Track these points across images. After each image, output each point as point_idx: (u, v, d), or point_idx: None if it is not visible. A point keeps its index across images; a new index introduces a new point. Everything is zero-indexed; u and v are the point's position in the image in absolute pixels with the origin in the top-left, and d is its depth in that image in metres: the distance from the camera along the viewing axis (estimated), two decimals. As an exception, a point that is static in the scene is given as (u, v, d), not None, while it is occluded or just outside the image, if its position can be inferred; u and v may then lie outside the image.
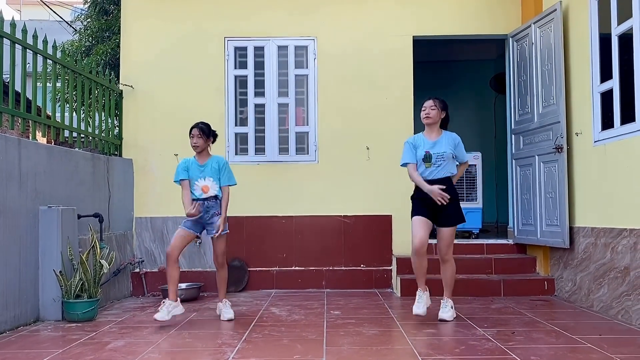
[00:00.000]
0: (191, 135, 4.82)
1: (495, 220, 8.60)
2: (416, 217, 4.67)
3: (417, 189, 4.77)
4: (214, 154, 4.97)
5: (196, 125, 4.83)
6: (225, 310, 4.90)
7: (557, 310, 5.21)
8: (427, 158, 4.66)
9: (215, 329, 4.58)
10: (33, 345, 4.06)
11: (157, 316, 4.57)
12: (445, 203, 4.55)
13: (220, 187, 4.85)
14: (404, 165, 4.81)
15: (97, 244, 5.19)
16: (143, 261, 6.56)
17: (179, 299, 4.78)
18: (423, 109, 4.75)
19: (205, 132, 4.81)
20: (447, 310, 4.72)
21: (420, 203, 4.70)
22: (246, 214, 6.64)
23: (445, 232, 4.70)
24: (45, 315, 4.88)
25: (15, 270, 4.60)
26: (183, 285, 6.10)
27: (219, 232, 4.76)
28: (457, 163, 4.84)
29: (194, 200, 4.77)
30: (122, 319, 5.04)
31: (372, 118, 6.71)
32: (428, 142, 4.71)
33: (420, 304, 4.69)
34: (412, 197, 4.84)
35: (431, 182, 4.64)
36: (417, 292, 4.77)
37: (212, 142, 4.94)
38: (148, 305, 5.74)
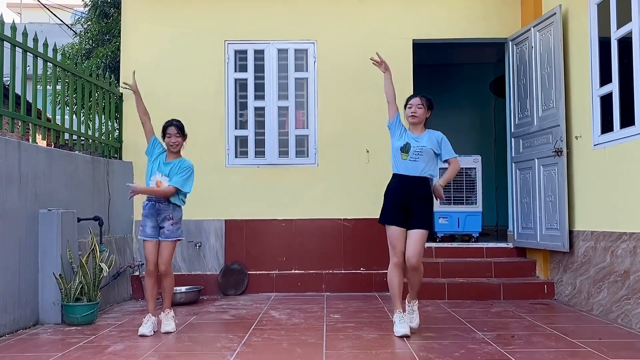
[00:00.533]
0: (167, 134, 4.51)
1: (495, 223, 8.59)
2: (393, 228, 4.36)
3: (390, 183, 4.49)
4: (184, 157, 4.68)
5: (171, 124, 4.55)
6: (167, 322, 4.58)
7: (557, 314, 5.21)
8: (405, 148, 4.36)
9: (214, 333, 4.58)
10: (32, 349, 4.06)
11: (140, 330, 4.45)
12: (377, 61, 4.51)
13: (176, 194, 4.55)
14: (390, 123, 4.56)
15: (97, 247, 5.19)
16: (143, 264, 6.54)
17: (156, 314, 4.61)
18: (409, 106, 4.46)
19: (182, 130, 4.56)
20: (415, 316, 4.47)
21: (394, 203, 4.37)
22: (246, 217, 6.64)
23: (415, 236, 4.31)
24: (44, 319, 4.87)
25: (15, 273, 4.60)
26: (183, 289, 6.10)
27: (136, 189, 4.46)
28: (443, 162, 4.50)
29: (147, 202, 4.55)
30: (122, 322, 5.03)
31: (371, 121, 6.71)
32: (411, 135, 4.43)
33: (403, 322, 4.31)
34: (385, 194, 4.50)
35: (407, 178, 4.34)
36: (395, 315, 4.37)
37: (185, 141, 4.67)
38: (147, 309, 5.72)
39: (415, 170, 4.34)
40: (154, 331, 4.51)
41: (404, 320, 4.33)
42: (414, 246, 4.29)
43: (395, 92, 4.60)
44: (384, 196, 4.50)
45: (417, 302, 4.53)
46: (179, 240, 4.62)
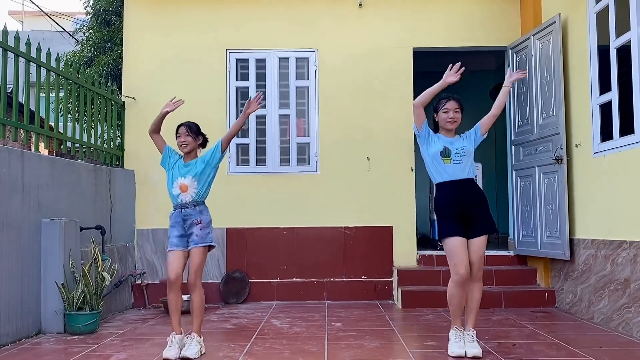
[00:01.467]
0: (178, 134, 4.28)
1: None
2: (453, 239, 3.95)
3: (438, 195, 4.13)
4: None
5: (182, 123, 4.32)
6: (190, 346, 4.04)
7: (558, 322, 5.21)
8: (446, 152, 4.06)
9: (216, 342, 4.59)
10: (35, 358, 4.07)
11: (164, 353, 3.99)
12: (460, 74, 4.04)
13: (202, 190, 4.21)
14: (418, 133, 4.19)
15: (99, 256, 5.21)
16: (144, 273, 6.57)
17: (182, 331, 4.17)
18: (445, 110, 4.15)
19: (193, 130, 4.28)
20: (476, 344, 3.96)
21: (448, 214, 4.03)
22: (247, 225, 6.66)
23: (478, 243, 4.00)
24: (47, 328, 4.88)
25: (18, 282, 4.61)
26: (184, 297, 6.09)
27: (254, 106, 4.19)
28: (482, 133, 4.26)
29: (173, 212, 4.21)
30: (124, 331, 5.04)
31: (372, 129, 6.75)
32: (445, 138, 4.16)
33: (460, 342, 3.98)
34: (435, 208, 4.18)
35: (454, 183, 4.03)
36: (452, 332, 4.05)
37: (202, 147, 4.40)
38: (149, 317, 5.74)
39: (462, 172, 4.06)
40: (180, 351, 4.03)
41: (461, 339, 4.00)
42: (475, 254, 3.98)
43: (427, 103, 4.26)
44: (436, 210, 4.16)
45: (474, 331, 4.05)
46: (211, 246, 4.20)
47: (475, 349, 3.90)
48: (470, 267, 3.95)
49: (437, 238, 6.89)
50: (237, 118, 6.72)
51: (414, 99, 6.63)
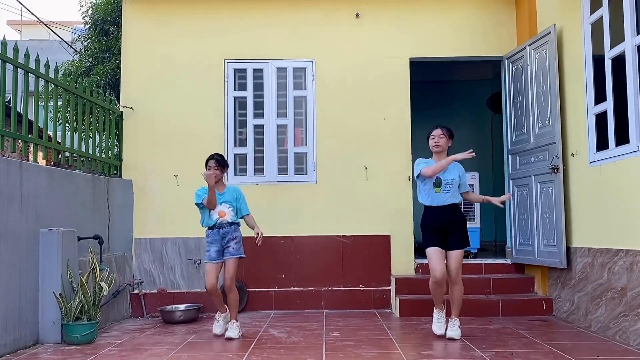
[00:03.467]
0: (208, 167, 5.07)
1: (493, 239, 8.63)
2: (432, 249, 4.80)
3: (426, 215, 4.93)
4: (229, 184, 5.35)
5: (212, 157, 5.10)
6: (231, 329, 5.07)
7: (556, 330, 5.22)
8: (438, 183, 4.84)
9: (214, 352, 4.59)
10: (33, 369, 4.07)
11: (214, 329, 5.21)
12: (472, 156, 4.76)
13: (237, 216, 5.20)
14: (418, 175, 4.92)
15: (97, 265, 5.21)
16: (142, 282, 6.57)
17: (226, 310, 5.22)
18: (432, 137, 4.92)
19: (221, 164, 5.09)
20: (455, 329, 4.84)
21: (432, 231, 4.83)
22: (245, 235, 6.64)
23: (455, 254, 4.83)
24: (44, 338, 4.88)
25: (15, 292, 4.61)
26: (182, 307, 6.12)
27: (259, 238, 5.16)
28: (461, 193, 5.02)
29: (209, 228, 5.11)
30: (122, 341, 5.04)
31: (370, 138, 6.78)
32: None
33: (441, 323, 4.93)
34: (422, 225, 4.96)
35: (441, 208, 4.83)
36: (435, 312, 4.98)
37: (226, 172, 5.24)
38: (147, 327, 5.74)
39: (449, 199, 4.85)
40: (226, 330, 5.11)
41: (442, 320, 4.94)
42: (453, 264, 4.80)
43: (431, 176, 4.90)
44: (422, 226, 4.95)
45: (457, 319, 4.91)
46: (242, 257, 5.15)
47: (453, 332, 4.82)
48: (449, 273, 4.81)
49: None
50: (235, 127, 6.83)
51: (411, 108, 6.75)
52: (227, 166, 5.26)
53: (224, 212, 5.09)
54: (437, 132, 4.92)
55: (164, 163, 6.74)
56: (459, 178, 4.91)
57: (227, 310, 5.19)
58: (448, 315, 4.99)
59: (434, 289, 4.86)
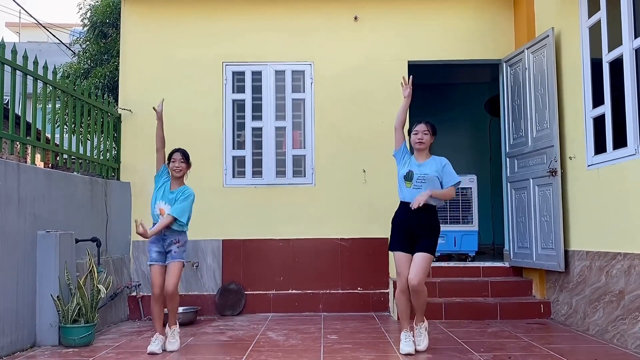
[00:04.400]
0: (172, 159, 4.75)
1: (491, 242, 8.63)
2: (399, 253, 4.48)
3: (397, 211, 4.62)
4: (186, 185, 4.87)
5: (178, 150, 4.79)
6: (171, 339, 4.73)
7: (553, 334, 5.22)
8: (409, 176, 4.50)
9: (212, 354, 4.58)
10: (30, 372, 4.06)
11: (149, 348, 4.61)
12: (406, 84, 4.61)
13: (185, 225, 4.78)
14: (394, 151, 4.71)
15: (95, 268, 5.19)
16: (140, 285, 6.55)
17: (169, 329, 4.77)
18: (415, 132, 4.56)
19: (186, 157, 4.79)
20: (422, 339, 4.53)
21: (401, 231, 4.50)
22: (243, 237, 6.67)
23: (418, 258, 4.40)
24: (42, 341, 4.86)
25: (13, 295, 4.60)
26: (180, 309, 6.08)
27: (149, 231, 4.55)
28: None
29: (152, 225, 4.68)
30: (119, 343, 5.03)
31: (368, 141, 6.78)
32: (415, 162, 4.58)
33: (409, 341, 4.46)
34: (393, 221, 4.64)
35: (408, 205, 4.43)
36: (403, 334, 4.52)
37: (188, 170, 4.88)
38: (145, 329, 5.72)
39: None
40: (163, 349, 4.65)
41: (410, 339, 4.46)
42: (415, 269, 4.36)
43: (405, 120, 4.71)
44: (391, 224, 4.64)
45: (424, 324, 4.58)
46: (183, 262, 4.76)
47: (421, 345, 4.50)
48: (409, 280, 4.37)
49: (439, 254, 6.95)
50: (234, 130, 6.83)
51: (409, 111, 6.74)
52: (190, 164, 4.86)
53: (164, 211, 4.68)
54: (421, 127, 4.55)
55: (162, 165, 6.72)
56: (437, 172, 4.47)
57: (165, 334, 4.74)
58: (431, 317, 4.73)
59: (399, 299, 4.50)
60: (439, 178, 4.50)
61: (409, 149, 4.69)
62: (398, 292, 4.50)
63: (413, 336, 4.52)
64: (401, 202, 4.60)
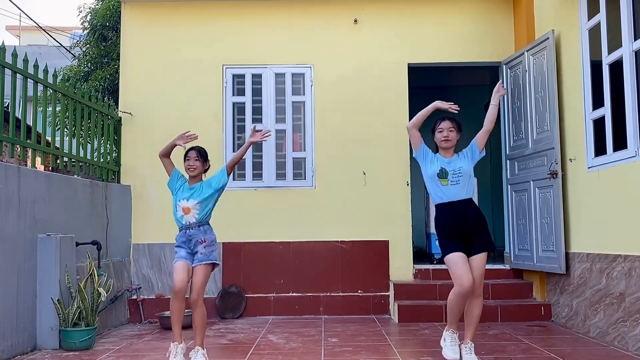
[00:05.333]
0: (187, 157, 4.39)
1: (491, 244, 8.61)
2: (453, 255, 4.05)
3: (439, 215, 4.22)
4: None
5: (193, 147, 4.44)
6: (197, 358, 4.19)
7: (554, 336, 5.22)
8: (443, 174, 4.16)
9: (212, 358, 4.56)
10: (30, 375, 4.05)
11: None
12: (456, 110, 4.22)
13: (205, 212, 4.32)
14: (417, 155, 4.36)
15: (95, 271, 5.19)
16: (140, 288, 6.55)
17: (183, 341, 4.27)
18: (439, 129, 4.26)
19: (202, 155, 4.41)
20: (473, 357, 4.09)
21: (450, 234, 4.13)
22: (243, 240, 6.66)
23: (477, 259, 4.09)
24: (42, 344, 4.86)
25: (13, 298, 4.59)
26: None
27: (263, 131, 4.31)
28: (480, 150, 4.34)
29: (179, 233, 4.33)
30: (120, 347, 5.02)
31: (368, 144, 6.78)
32: (443, 159, 4.25)
33: (455, 347, 4.12)
34: (436, 227, 4.26)
35: (452, 204, 4.12)
36: (448, 334, 4.18)
37: (206, 171, 4.50)
38: (145, 333, 5.72)
39: (460, 193, 4.14)
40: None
41: (456, 343, 4.14)
42: (476, 271, 4.04)
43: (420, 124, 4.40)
44: (436, 229, 4.25)
45: (473, 345, 4.16)
46: (215, 264, 4.30)
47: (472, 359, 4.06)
48: (475, 281, 4.02)
49: (440, 257, 6.92)
50: (234, 132, 6.83)
51: (409, 114, 6.73)
52: (208, 162, 4.50)
53: (188, 209, 4.27)
54: (447, 124, 4.24)
55: (162, 168, 6.68)
56: (469, 163, 4.22)
57: (182, 341, 4.25)
58: (461, 338, 4.21)
59: (458, 301, 4.04)
60: (472, 159, 4.28)
61: (425, 145, 4.34)
62: (454, 296, 4.04)
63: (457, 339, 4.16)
64: (440, 204, 4.20)
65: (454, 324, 4.15)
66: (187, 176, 4.43)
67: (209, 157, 4.51)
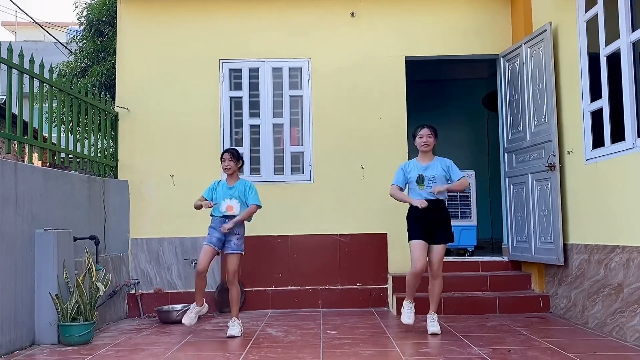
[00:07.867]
0: (222, 159, 5.25)
1: (490, 236, 8.64)
2: (415, 242, 4.94)
3: (411, 208, 5.06)
4: (243, 178, 5.37)
5: (227, 150, 5.29)
6: (232, 327, 5.08)
7: (553, 327, 5.23)
8: (420, 180, 5.01)
9: (212, 351, 4.58)
10: (29, 370, 4.05)
11: (185, 320, 5.17)
12: (423, 207, 4.87)
13: (242, 210, 5.21)
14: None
15: (93, 266, 5.18)
16: (139, 282, 6.55)
17: (205, 304, 5.35)
18: (420, 136, 5.06)
19: (235, 156, 5.24)
20: (436, 324, 4.97)
21: (416, 224, 4.99)
22: (248, 233, 6.64)
23: (438, 249, 4.98)
24: (41, 339, 4.85)
25: (11, 294, 4.59)
26: (178, 307, 6.09)
27: (229, 226, 5.03)
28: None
29: (217, 217, 5.18)
30: (118, 341, 5.02)
31: (366, 137, 6.77)
32: (421, 166, 5.07)
33: (411, 313, 5.05)
34: (407, 217, 5.12)
35: (426, 201, 4.93)
36: (406, 303, 5.09)
37: (241, 166, 5.41)
38: (144, 327, 5.72)
39: (432, 195, 4.96)
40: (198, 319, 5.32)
41: (412, 311, 5.05)
42: (435, 258, 4.96)
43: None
44: (407, 218, 5.11)
45: (436, 315, 5.04)
46: (242, 254, 5.19)
47: (434, 328, 4.94)
48: (430, 267, 4.99)
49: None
50: (231, 127, 6.83)
51: (407, 107, 6.75)
52: (242, 160, 5.40)
53: (231, 207, 5.17)
54: (425, 131, 5.05)
55: (160, 163, 6.72)
56: (443, 172, 5.02)
57: (204, 305, 5.32)
58: (426, 310, 5.08)
59: (411, 280, 5.00)
60: (445, 177, 5.02)
61: (402, 169, 5.17)
62: (410, 275, 4.98)
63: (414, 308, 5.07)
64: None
65: (411, 296, 5.07)
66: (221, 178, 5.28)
67: (241, 156, 5.39)
